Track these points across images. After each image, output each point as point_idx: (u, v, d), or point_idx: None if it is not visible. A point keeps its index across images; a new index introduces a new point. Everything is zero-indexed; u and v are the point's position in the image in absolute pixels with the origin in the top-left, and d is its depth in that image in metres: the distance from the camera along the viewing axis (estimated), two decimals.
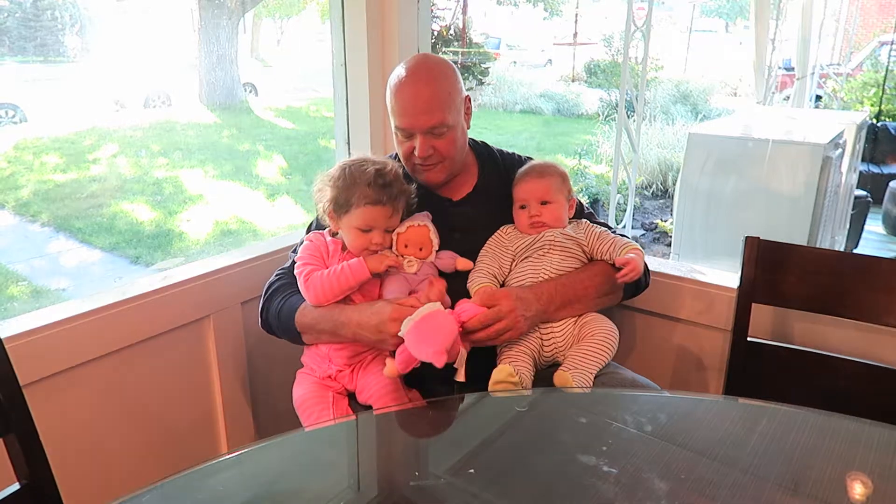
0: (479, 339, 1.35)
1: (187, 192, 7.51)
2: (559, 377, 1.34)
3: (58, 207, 6.96)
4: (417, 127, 1.47)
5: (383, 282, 1.45)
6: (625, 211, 5.57)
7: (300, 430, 1.32)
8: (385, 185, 1.40)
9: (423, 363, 1.27)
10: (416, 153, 1.49)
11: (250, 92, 11.92)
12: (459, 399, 1.41)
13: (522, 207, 1.53)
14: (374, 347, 1.44)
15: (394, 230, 1.46)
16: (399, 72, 1.51)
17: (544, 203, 1.51)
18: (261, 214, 7.08)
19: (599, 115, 10.24)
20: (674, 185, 7.38)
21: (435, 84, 1.48)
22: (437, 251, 1.49)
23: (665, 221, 6.57)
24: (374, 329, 1.36)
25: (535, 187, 1.52)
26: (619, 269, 1.48)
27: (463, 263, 1.49)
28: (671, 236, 4.84)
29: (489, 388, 1.33)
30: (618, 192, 5.60)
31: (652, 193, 7.63)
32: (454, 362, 1.30)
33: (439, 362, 1.22)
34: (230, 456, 1.19)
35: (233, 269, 1.80)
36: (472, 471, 0.96)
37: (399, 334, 1.28)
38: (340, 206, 1.42)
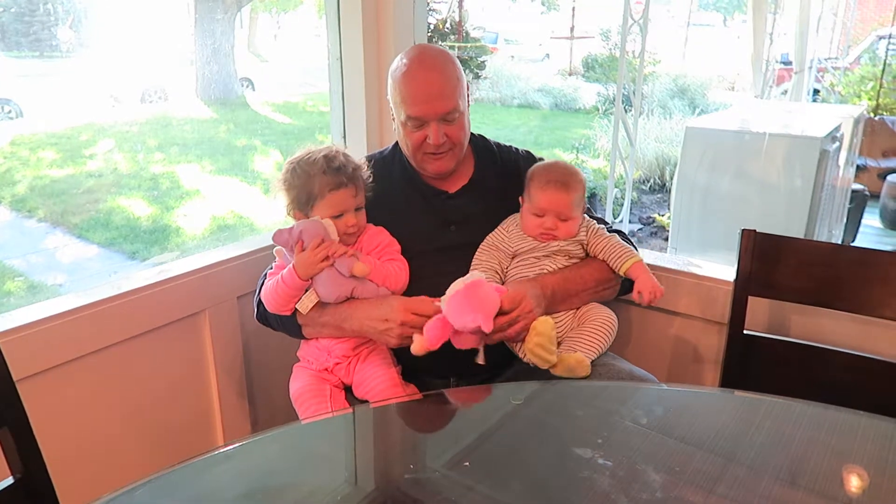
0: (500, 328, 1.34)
1: (184, 187, 7.50)
2: (562, 360, 1.34)
3: (54, 203, 6.95)
4: (432, 114, 1.46)
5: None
6: (622, 205, 5.57)
7: (296, 424, 1.31)
8: (340, 167, 1.40)
9: (446, 345, 1.29)
10: (429, 141, 1.47)
11: (247, 87, 11.90)
12: (456, 392, 1.41)
13: (538, 216, 1.47)
14: (377, 339, 1.43)
15: (363, 208, 1.45)
16: (403, 62, 1.50)
17: (563, 220, 1.46)
18: (258, 209, 7.08)
19: (598, 110, 10.24)
20: (671, 179, 7.38)
21: (444, 70, 1.48)
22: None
23: (662, 216, 6.56)
24: (380, 318, 1.36)
25: (558, 201, 1.45)
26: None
27: (359, 269, 1.38)
28: (668, 231, 4.83)
29: (530, 345, 1.33)
30: (615, 187, 5.59)
31: (649, 188, 7.62)
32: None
33: (488, 327, 1.24)
34: (226, 449, 1.19)
35: (228, 263, 1.79)
36: (466, 463, 0.96)
37: (439, 303, 1.29)
38: (304, 203, 1.42)
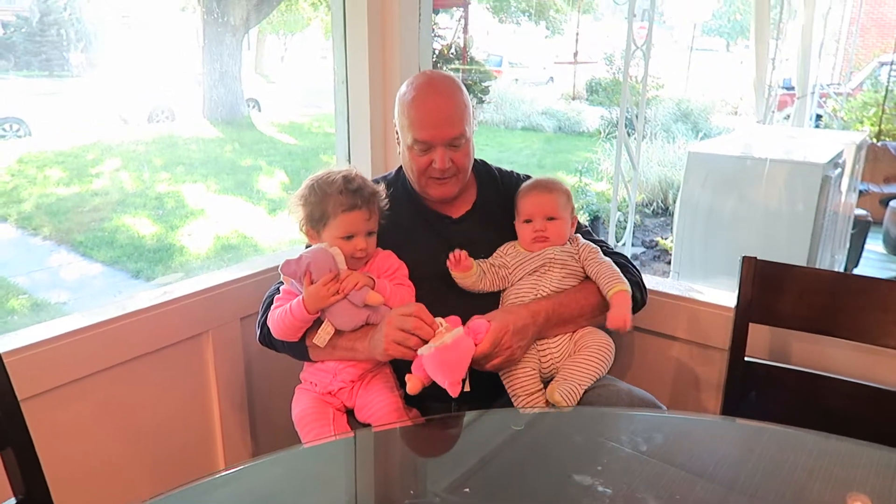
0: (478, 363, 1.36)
1: (189, 206, 7.54)
2: (549, 392, 1.36)
3: (60, 221, 7.00)
4: (440, 138, 1.48)
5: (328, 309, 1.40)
6: (625, 228, 5.58)
7: (298, 447, 1.31)
8: (356, 189, 1.41)
9: None
10: (435, 165, 1.49)
11: (253, 107, 11.99)
12: (457, 417, 1.41)
13: (527, 222, 1.52)
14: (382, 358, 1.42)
15: (375, 233, 1.45)
16: (412, 86, 1.52)
17: (550, 219, 1.51)
18: (262, 229, 7.11)
19: (601, 133, 10.29)
20: (674, 202, 7.40)
21: (454, 96, 1.50)
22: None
23: (665, 239, 6.57)
24: (380, 339, 1.36)
25: (542, 202, 1.52)
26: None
27: (373, 298, 1.39)
28: (671, 254, 4.83)
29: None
30: (618, 210, 5.61)
31: (653, 211, 7.65)
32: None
33: (454, 392, 1.26)
34: (227, 472, 1.19)
35: (232, 284, 1.81)
36: (466, 489, 0.96)
37: (419, 353, 1.29)
38: (317, 220, 1.43)
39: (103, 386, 1.56)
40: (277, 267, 1.83)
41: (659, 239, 6.64)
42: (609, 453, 1.04)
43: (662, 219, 7.50)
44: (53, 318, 1.55)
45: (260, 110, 12.38)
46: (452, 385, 1.26)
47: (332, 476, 1.13)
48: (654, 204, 7.73)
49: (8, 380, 1.03)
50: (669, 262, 5.09)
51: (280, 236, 7.01)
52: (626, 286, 1.45)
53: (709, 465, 1.05)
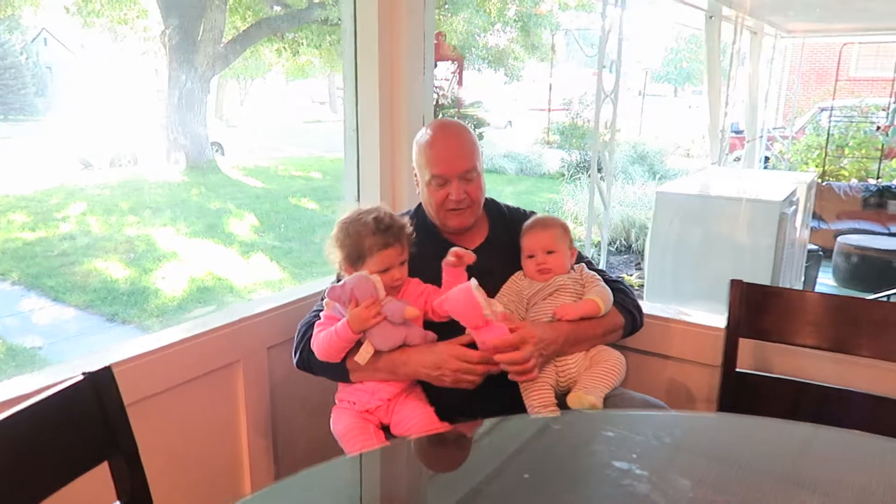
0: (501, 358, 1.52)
1: (161, 249, 7.55)
2: (573, 398, 1.52)
3: (28, 266, 6.94)
4: (454, 171, 1.68)
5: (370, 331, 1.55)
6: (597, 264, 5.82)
7: (321, 465, 1.25)
8: (387, 227, 1.58)
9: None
10: (451, 197, 1.69)
11: (217, 151, 12.05)
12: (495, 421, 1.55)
13: (530, 257, 1.72)
14: (430, 381, 1.57)
15: (406, 261, 1.62)
16: (428, 132, 1.75)
17: (550, 252, 1.70)
18: (236, 271, 7.15)
19: (564, 175, 10.65)
20: (637, 241, 7.74)
21: (463, 137, 1.74)
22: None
23: (631, 276, 6.85)
24: (434, 366, 1.53)
25: (540, 238, 1.72)
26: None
27: (410, 312, 1.56)
28: (637, 290, 5.08)
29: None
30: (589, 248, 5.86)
31: (616, 249, 7.95)
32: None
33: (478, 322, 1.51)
34: (250, 497, 1.24)
35: (261, 316, 1.93)
36: (526, 475, 1.11)
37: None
38: (355, 259, 1.59)
39: (138, 417, 1.64)
40: (304, 299, 1.98)
41: (624, 275, 6.91)
42: (639, 444, 1.21)
43: (626, 256, 7.81)
44: (28, 361, 1.60)
45: (223, 154, 12.42)
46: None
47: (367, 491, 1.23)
48: (618, 242, 8.04)
49: (117, 391, 1.14)
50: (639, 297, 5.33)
51: (254, 277, 7.07)
52: (600, 301, 1.65)
53: (730, 453, 1.21)
